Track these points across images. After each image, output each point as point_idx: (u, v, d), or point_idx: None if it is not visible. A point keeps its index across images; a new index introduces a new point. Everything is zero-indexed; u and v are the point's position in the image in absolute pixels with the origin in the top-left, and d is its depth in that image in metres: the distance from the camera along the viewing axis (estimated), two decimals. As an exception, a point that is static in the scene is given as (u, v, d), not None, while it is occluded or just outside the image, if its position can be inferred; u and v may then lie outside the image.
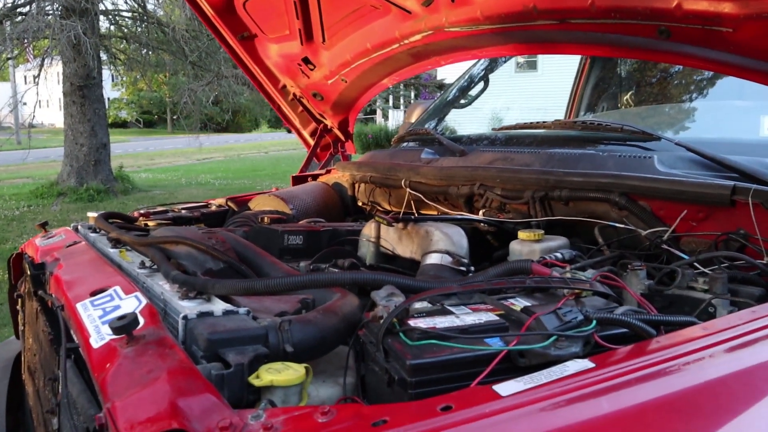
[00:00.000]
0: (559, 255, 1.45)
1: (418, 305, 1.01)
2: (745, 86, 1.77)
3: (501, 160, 1.98)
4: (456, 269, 1.50)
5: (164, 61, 13.70)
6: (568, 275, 1.15)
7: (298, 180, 2.98)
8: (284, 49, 2.84)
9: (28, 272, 1.61)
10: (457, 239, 1.58)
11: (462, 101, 3.11)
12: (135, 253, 1.57)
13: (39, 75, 11.02)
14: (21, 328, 2.04)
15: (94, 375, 0.95)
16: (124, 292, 1.18)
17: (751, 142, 1.87)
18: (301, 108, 3.20)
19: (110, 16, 12.54)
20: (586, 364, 0.84)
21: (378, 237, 1.81)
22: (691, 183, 1.46)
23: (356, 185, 2.63)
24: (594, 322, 0.92)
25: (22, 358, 2.04)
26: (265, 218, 2.02)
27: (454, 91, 3.13)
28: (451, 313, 1.01)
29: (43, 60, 11.37)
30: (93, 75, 11.35)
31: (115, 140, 13.97)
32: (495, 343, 0.89)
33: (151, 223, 2.18)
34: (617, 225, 1.58)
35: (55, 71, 16.01)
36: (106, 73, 13.89)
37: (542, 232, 1.55)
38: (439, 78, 16.72)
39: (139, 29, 13.01)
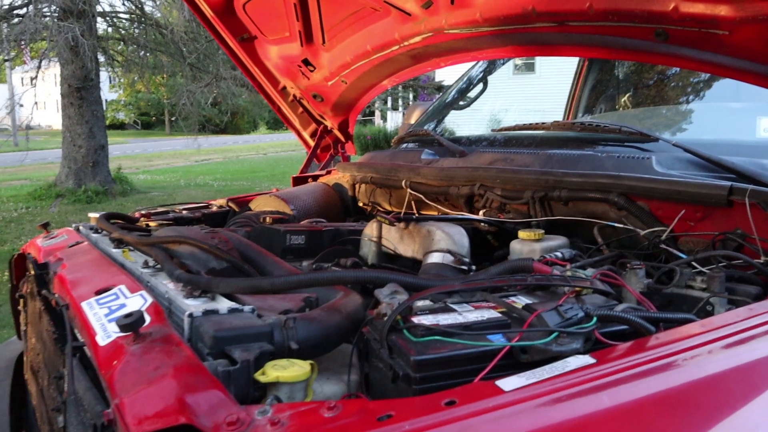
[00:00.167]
0: (559, 254, 1.47)
1: (421, 303, 1.03)
2: (742, 88, 1.79)
3: (501, 161, 1.99)
4: (457, 268, 1.51)
5: (162, 63, 13.71)
6: (569, 273, 1.16)
7: (298, 181, 2.99)
8: (284, 51, 2.85)
9: (32, 272, 1.62)
10: (459, 238, 1.60)
11: (461, 103, 3.12)
12: (138, 253, 1.58)
13: (36, 77, 11.01)
14: (23, 328, 2.05)
15: (101, 372, 0.96)
16: (129, 291, 1.19)
17: (748, 143, 1.89)
18: (301, 109, 3.21)
19: (108, 18, 12.55)
20: (587, 359, 0.85)
21: (380, 237, 1.83)
22: (688, 183, 1.47)
23: (357, 186, 2.65)
24: (594, 319, 0.93)
25: (25, 358, 2.04)
26: (268, 218, 2.03)
27: (453, 93, 3.15)
28: (453, 310, 1.02)
29: (40, 62, 11.37)
30: (91, 77, 11.36)
31: (113, 142, 13.99)
32: (497, 340, 0.91)
33: (152, 224, 2.19)
34: (616, 225, 1.59)
35: (52, 73, 16.00)
36: (104, 75, 13.88)
37: (542, 231, 1.56)
38: (437, 80, 16.77)
39: (137, 31, 13.02)
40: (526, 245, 1.54)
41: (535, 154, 1.92)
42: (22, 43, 11.06)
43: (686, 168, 1.60)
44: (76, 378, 1.06)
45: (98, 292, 1.21)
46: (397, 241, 1.77)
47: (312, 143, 3.29)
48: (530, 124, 2.21)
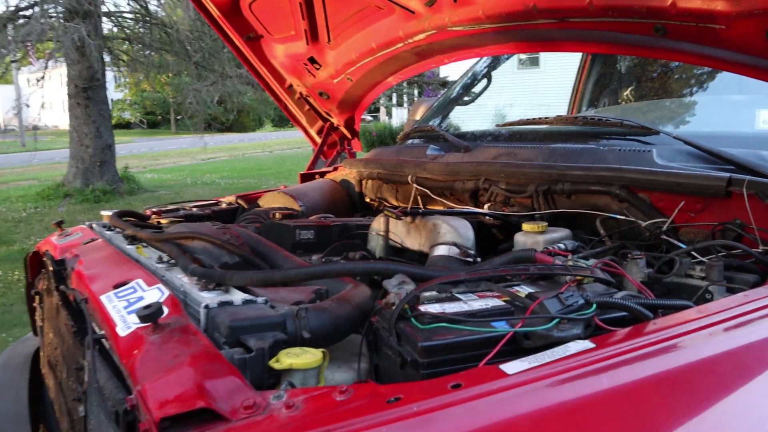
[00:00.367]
0: (561, 245, 1.50)
1: (427, 293, 1.06)
2: (744, 81, 1.81)
3: (505, 156, 2.02)
4: (463, 260, 1.55)
5: (167, 62, 13.78)
6: (570, 263, 1.20)
7: (306, 177, 3.02)
8: (290, 49, 2.89)
9: (50, 268, 1.67)
10: (464, 231, 1.63)
11: (465, 98, 3.15)
12: (151, 249, 1.63)
13: (43, 77, 11.10)
14: (39, 324, 2.10)
15: (122, 361, 1.01)
16: (146, 285, 1.23)
17: (747, 135, 1.92)
18: (307, 107, 3.25)
19: (113, 18, 12.62)
20: (587, 344, 0.89)
21: (387, 231, 1.86)
22: (688, 175, 1.50)
23: (363, 182, 2.68)
24: (594, 305, 0.97)
25: (41, 353, 2.10)
26: (277, 214, 2.08)
27: (457, 89, 3.17)
28: (459, 299, 1.06)
29: (47, 62, 11.46)
30: (97, 77, 11.44)
31: (120, 141, 14.10)
32: (501, 326, 0.94)
33: (163, 221, 2.24)
34: (618, 217, 1.62)
35: (58, 73, 16.10)
36: (109, 75, 13.95)
37: (546, 224, 1.59)
38: (442, 75, 16.76)
39: (142, 30, 13.08)
40: (529, 237, 1.57)
41: (538, 148, 1.96)
42: (29, 44, 11.15)
43: (687, 160, 1.62)
44: (96, 368, 1.11)
45: (116, 286, 1.26)
46: (404, 234, 1.81)
47: (319, 140, 3.33)
48: (534, 118, 2.24)
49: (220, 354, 0.93)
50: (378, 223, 1.89)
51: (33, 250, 2.21)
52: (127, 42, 13.25)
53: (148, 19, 12.68)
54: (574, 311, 0.95)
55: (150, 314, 0.99)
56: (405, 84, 18.48)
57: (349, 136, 3.27)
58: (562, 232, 1.60)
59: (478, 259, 1.57)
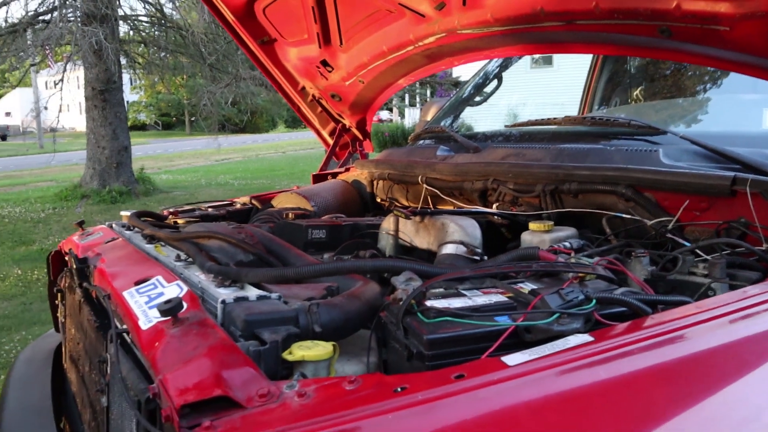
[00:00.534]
0: (567, 244, 1.54)
1: (434, 289, 1.11)
2: (756, 80, 1.82)
3: (513, 156, 2.06)
4: (470, 258, 1.59)
5: (182, 64, 13.92)
6: (573, 261, 1.24)
7: (318, 178, 3.07)
8: (303, 53, 2.94)
9: (74, 266, 1.73)
10: (471, 230, 1.67)
11: (476, 99, 3.18)
12: (169, 248, 1.69)
13: (63, 80, 11.28)
14: (61, 320, 2.17)
15: (144, 353, 1.06)
16: (165, 281, 1.29)
17: (755, 134, 1.93)
18: (320, 109, 3.30)
19: (129, 21, 12.78)
20: (585, 338, 0.92)
21: (396, 230, 1.91)
22: (693, 174, 1.52)
23: (375, 182, 2.72)
24: (593, 301, 1.00)
25: (63, 349, 2.17)
26: (290, 214, 2.13)
27: (469, 89, 3.21)
28: (464, 295, 1.10)
29: (65, 65, 11.63)
30: (114, 80, 11.59)
31: (135, 142, 14.25)
32: (503, 321, 0.98)
33: (180, 221, 2.30)
34: (624, 216, 1.65)
35: (74, 76, 16.33)
36: (125, 77, 14.13)
37: (552, 223, 1.62)
38: (454, 75, 16.76)
39: (157, 33, 13.24)
40: (536, 236, 1.61)
41: (546, 148, 1.98)
42: (47, 48, 11.33)
43: (693, 160, 1.64)
44: (120, 360, 1.16)
45: (137, 283, 1.31)
46: (413, 234, 1.85)
47: (331, 141, 3.37)
48: (542, 119, 2.27)
49: (236, 346, 0.98)
50: (388, 223, 1.94)
51: (55, 250, 2.28)
52: (142, 45, 13.41)
53: (163, 22, 12.83)
54: (574, 306, 0.99)
55: (170, 308, 1.04)
56: (417, 84, 18.50)
57: (360, 137, 3.32)
58: (567, 231, 1.63)
59: (485, 258, 1.61)
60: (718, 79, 2.49)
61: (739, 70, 1.69)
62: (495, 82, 3.13)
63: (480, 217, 1.85)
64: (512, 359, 0.87)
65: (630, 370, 0.86)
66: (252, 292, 1.19)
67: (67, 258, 2.02)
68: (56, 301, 2.27)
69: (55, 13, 10.74)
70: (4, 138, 40.71)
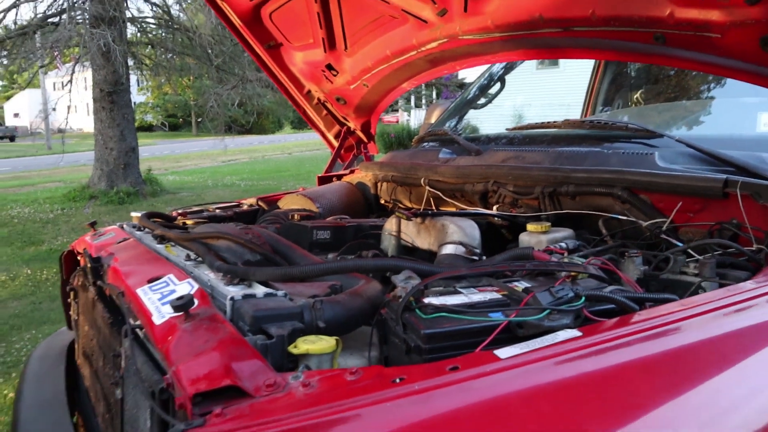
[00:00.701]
0: (563, 245, 1.59)
1: (432, 287, 1.16)
2: (751, 85, 1.87)
3: (513, 159, 2.11)
4: (469, 258, 1.64)
5: (189, 66, 14.02)
6: (566, 260, 1.29)
7: (323, 180, 3.12)
8: (309, 57, 2.99)
9: (88, 265, 1.79)
10: (470, 231, 1.73)
11: (479, 102, 3.23)
12: (179, 248, 1.75)
13: (71, 81, 11.39)
14: (74, 318, 2.23)
15: (158, 347, 1.12)
16: (177, 279, 1.35)
17: (749, 137, 1.97)
18: (325, 112, 3.36)
19: (137, 23, 12.89)
20: (574, 333, 0.97)
21: (399, 231, 1.96)
22: (686, 177, 1.57)
23: (379, 184, 2.77)
24: (583, 298, 1.06)
25: (76, 345, 2.23)
26: (295, 215, 2.19)
27: (473, 91, 3.26)
28: (460, 293, 1.16)
29: (74, 67, 11.75)
30: (121, 81, 11.69)
31: (142, 143, 14.35)
32: (497, 317, 1.04)
33: (189, 222, 2.36)
34: (620, 217, 1.69)
35: (82, 77, 16.46)
36: (132, 78, 14.23)
37: (549, 224, 1.67)
38: (459, 77, 16.79)
39: (164, 35, 13.34)
40: (533, 237, 1.66)
41: (545, 151, 2.03)
42: (56, 50, 11.44)
43: (688, 162, 1.68)
44: (134, 354, 1.22)
45: (150, 281, 1.38)
46: (415, 234, 1.90)
47: (336, 144, 3.43)
48: (542, 122, 2.32)
49: (245, 340, 1.04)
50: (390, 224, 1.99)
51: (67, 250, 2.35)
52: (150, 46, 13.52)
53: (170, 24, 12.93)
54: (564, 303, 1.04)
55: (182, 304, 1.10)
56: (423, 86, 18.54)
57: (365, 139, 3.37)
58: (564, 232, 1.68)
59: (483, 258, 1.66)
60: (714, 82, 2.54)
61: (731, 75, 1.74)
62: (498, 85, 3.18)
63: (480, 218, 1.91)
64: (504, 352, 0.92)
65: (616, 362, 0.90)
66: (259, 290, 1.24)
67: (80, 257, 2.08)
68: (69, 300, 2.33)
69: (64, 16, 10.85)
70: (12, 139, 41.06)
